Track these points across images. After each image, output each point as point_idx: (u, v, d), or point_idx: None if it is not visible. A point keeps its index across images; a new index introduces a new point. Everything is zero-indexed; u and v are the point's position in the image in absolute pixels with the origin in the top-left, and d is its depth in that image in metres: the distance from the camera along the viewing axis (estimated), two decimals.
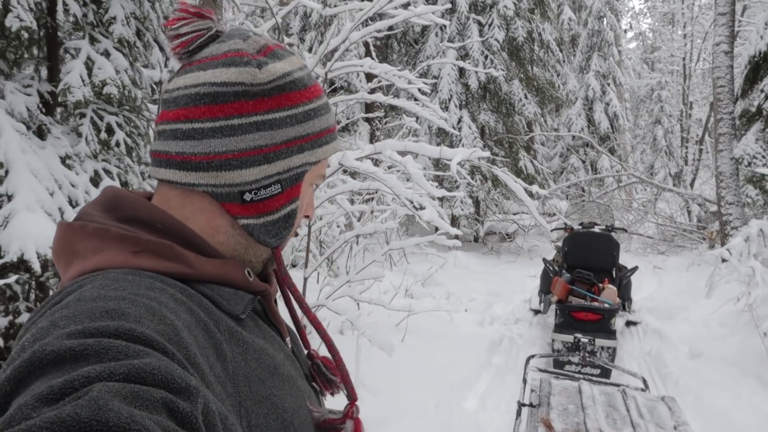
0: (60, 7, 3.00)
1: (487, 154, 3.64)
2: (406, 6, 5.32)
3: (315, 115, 0.70)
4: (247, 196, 0.66)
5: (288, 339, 0.74)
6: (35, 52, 3.65)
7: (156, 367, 0.42)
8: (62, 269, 0.62)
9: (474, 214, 12.33)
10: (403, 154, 4.28)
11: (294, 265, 7.35)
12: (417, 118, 13.17)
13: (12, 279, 2.13)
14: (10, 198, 2.57)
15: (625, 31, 27.65)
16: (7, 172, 2.62)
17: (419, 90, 5.61)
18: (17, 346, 0.47)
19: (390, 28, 12.84)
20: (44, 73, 3.55)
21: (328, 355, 0.77)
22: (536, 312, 6.28)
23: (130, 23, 3.38)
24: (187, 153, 0.65)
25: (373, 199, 9.21)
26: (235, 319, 0.62)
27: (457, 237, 12.64)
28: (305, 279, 4.96)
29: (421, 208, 4.26)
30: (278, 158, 0.67)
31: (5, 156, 2.63)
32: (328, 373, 0.76)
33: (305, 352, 0.78)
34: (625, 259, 8.42)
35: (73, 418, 0.35)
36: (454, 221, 12.78)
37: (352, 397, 0.75)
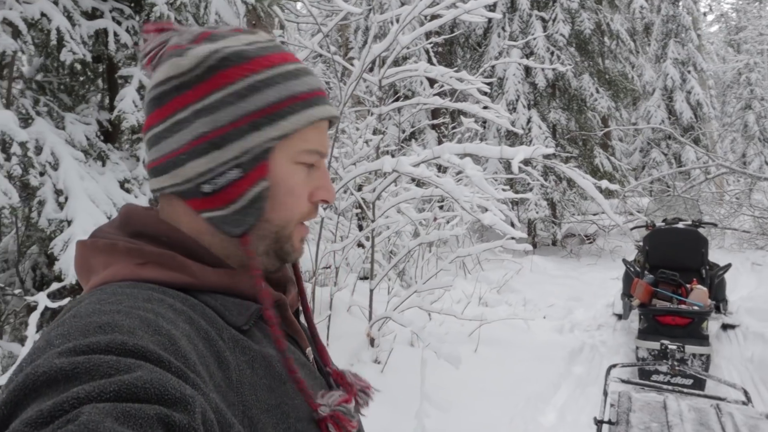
0: (111, 38, 3.08)
1: (550, 150, 3.42)
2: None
3: (266, 85, 0.63)
4: (207, 188, 0.63)
5: (308, 349, 0.73)
6: (100, 84, 3.80)
7: (147, 381, 0.41)
8: (84, 285, 0.63)
9: (550, 216, 11.85)
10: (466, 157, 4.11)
11: (365, 277, 7.29)
12: (485, 122, 12.89)
13: (65, 301, 2.16)
14: (69, 223, 2.64)
15: (705, 14, 26.03)
16: (66, 198, 2.70)
17: (480, 91, 5.43)
18: (17, 367, 0.46)
19: (451, 31, 12.68)
20: (107, 102, 3.68)
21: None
22: (620, 317, 5.87)
23: None
24: (153, 159, 0.65)
25: (443, 206, 9.04)
26: (239, 329, 0.60)
27: (533, 244, 12.16)
28: (371, 291, 4.87)
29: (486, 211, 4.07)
30: (228, 141, 0.62)
31: (64, 183, 2.70)
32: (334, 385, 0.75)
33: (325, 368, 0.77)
34: (719, 257, 7.76)
35: None
36: (530, 225, 12.35)
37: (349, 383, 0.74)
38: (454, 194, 3.36)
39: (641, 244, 5.66)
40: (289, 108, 0.63)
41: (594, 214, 12.26)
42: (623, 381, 3.17)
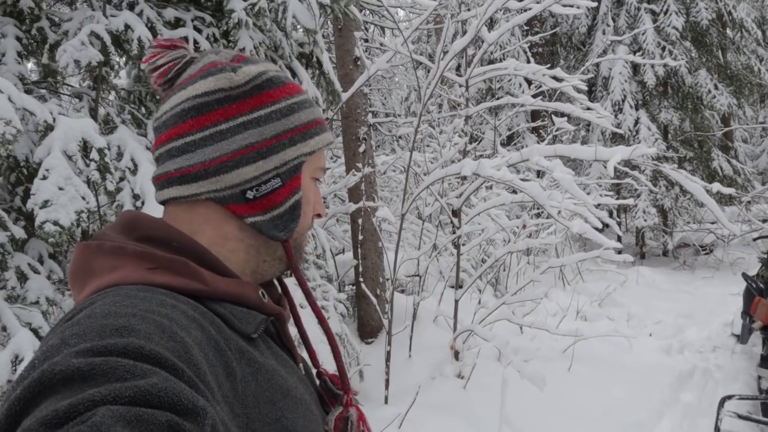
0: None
1: (652, 150, 3.05)
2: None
3: (299, 108, 0.72)
4: (250, 194, 0.68)
5: (301, 365, 0.75)
6: None
7: (162, 388, 0.42)
8: (78, 290, 0.63)
9: (660, 224, 10.95)
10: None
11: (454, 286, 7.06)
12: (589, 125, 12.17)
13: None
14: None
15: None
16: (143, 203, 2.75)
17: (578, 90, 5.06)
18: (28, 363, 0.47)
19: (552, 30, 12.12)
20: None
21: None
22: (740, 338, 5.21)
23: (260, 52, 3.43)
24: (184, 167, 0.66)
25: (539, 214, 8.58)
26: (246, 338, 0.62)
27: (641, 254, 11.25)
28: (456, 301, 4.65)
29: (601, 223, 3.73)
30: (272, 153, 0.68)
31: (141, 188, 2.76)
32: (335, 389, 0.77)
33: (314, 370, 0.79)
34: None
35: None
36: (638, 233, 11.51)
37: (346, 387, 0.77)
38: (539, 199, 3.09)
39: (766, 257, 5.00)
40: (315, 129, 0.73)
41: (712, 223, 11.19)
42: (740, 416, 2.74)
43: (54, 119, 2.60)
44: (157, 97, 3.81)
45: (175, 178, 0.67)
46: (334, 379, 0.78)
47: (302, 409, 0.64)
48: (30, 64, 3.86)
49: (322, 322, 0.77)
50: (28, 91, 2.88)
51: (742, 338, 4.35)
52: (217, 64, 0.69)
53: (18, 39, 2.84)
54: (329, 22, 4.63)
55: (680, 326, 6.29)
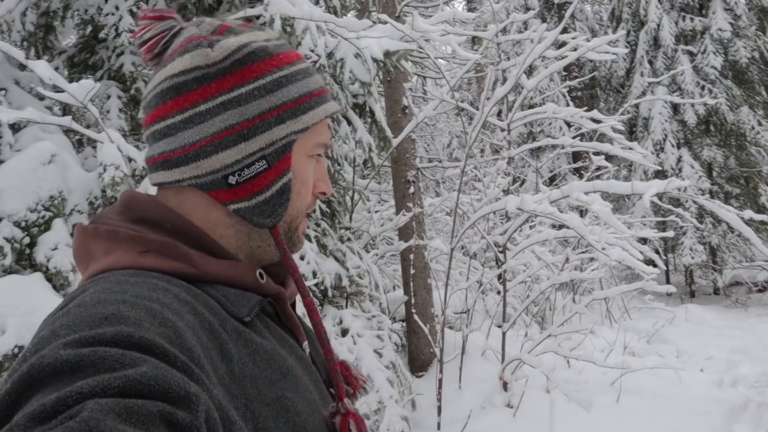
0: None
1: (687, 183, 3.26)
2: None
3: (288, 81, 0.66)
4: (232, 179, 0.64)
5: (305, 343, 0.72)
6: None
7: (152, 377, 0.41)
8: (82, 272, 0.63)
9: (709, 262, 10.82)
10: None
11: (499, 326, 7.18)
12: (631, 165, 12.25)
13: None
14: None
15: None
16: None
17: (616, 130, 5.31)
18: (20, 355, 0.46)
19: (591, 74, 12.42)
20: None
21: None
22: None
23: None
24: (166, 151, 0.64)
25: (586, 251, 8.66)
26: (241, 321, 0.60)
27: (690, 292, 11.04)
28: (503, 333, 4.83)
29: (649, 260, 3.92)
30: (255, 133, 0.64)
31: None
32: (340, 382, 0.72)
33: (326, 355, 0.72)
34: None
35: None
36: (686, 271, 11.37)
37: (340, 395, 0.69)
38: (580, 231, 3.31)
39: None
40: (307, 103, 0.67)
41: (766, 261, 10.97)
42: None
43: None
44: None
45: (159, 163, 0.65)
46: (344, 369, 0.74)
47: (303, 389, 0.62)
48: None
49: (313, 314, 0.71)
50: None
51: None
52: (194, 38, 0.65)
53: (119, 98, 3.31)
54: (380, 74, 5.06)
55: (733, 362, 6.22)
